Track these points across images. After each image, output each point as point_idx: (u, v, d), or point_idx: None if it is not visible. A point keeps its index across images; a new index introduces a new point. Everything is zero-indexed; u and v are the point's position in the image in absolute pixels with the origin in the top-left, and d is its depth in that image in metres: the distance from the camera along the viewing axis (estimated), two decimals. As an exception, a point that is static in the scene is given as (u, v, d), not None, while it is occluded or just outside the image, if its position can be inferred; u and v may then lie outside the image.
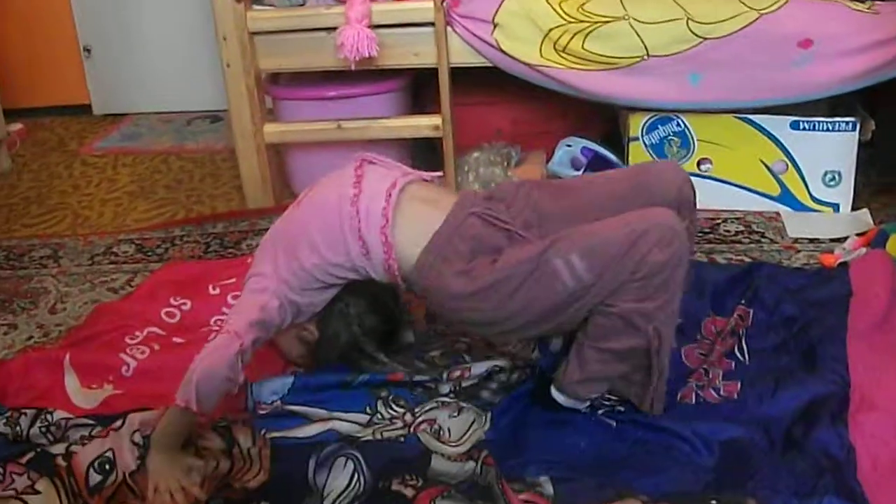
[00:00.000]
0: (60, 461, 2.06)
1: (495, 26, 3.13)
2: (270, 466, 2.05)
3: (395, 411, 2.22)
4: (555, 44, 3.09)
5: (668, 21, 3.03)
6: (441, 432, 2.14)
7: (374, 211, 2.19)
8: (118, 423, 2.15)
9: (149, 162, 4.27)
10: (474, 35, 3.16)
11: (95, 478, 2.02)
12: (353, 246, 2.18)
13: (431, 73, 3.29)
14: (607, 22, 3.05)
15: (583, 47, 3.07)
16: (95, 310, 2.84)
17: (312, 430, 2.16)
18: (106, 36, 4.89)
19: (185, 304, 2.80)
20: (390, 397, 2.25)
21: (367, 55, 3.07)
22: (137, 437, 2.10)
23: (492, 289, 2.08)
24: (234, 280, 2.81)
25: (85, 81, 4.97)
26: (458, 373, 2.31)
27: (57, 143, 4.62)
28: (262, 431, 2.14)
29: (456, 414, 2.18)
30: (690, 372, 2.32)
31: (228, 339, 2.07)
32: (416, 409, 2.21)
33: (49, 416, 2.26)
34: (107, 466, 2.03)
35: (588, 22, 3.06)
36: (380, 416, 2.21)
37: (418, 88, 3.63)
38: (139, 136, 4.67)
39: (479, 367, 2.32)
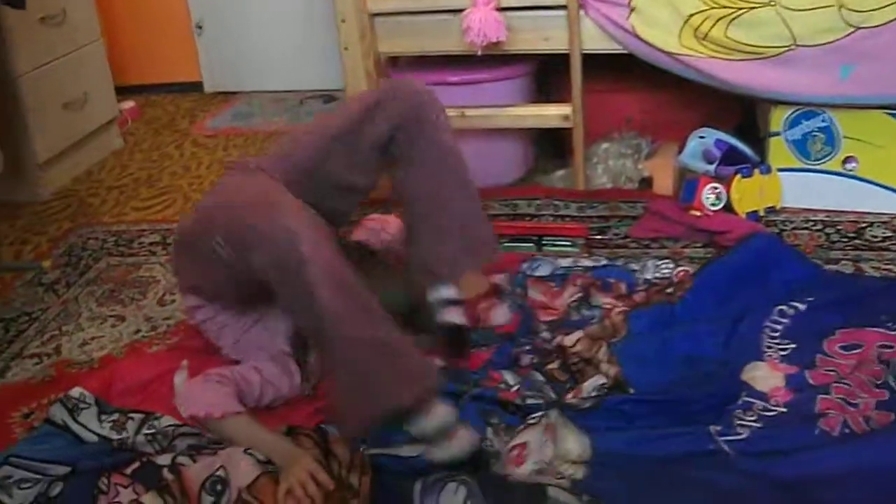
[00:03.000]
0: (167, 474, 1.95)
1: (632, 10, 2.94)
2: (371, 488, 1.92)
3: (503, 441, 2.05)
4: (695, 31, 2.89)
5: (819, 8, 2.80)
6: (543, 469, 1.96)
7: None
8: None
9: (260, 143, 4.19)
10: (609, 20, 2.98)
11: (208, 500, 1.89)
12: None
13: (558, 59, 3.13)
14: (753, 8, 2.84)
15: (725, 35, 2.87)
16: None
17: (416, 450, 2.01)
18: (218, 12, 4.84)
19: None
20: (501, 426, 2.08)
21: (494, 40, 2.94)
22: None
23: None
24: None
25: (196, 59, 4.91)
26: (570, 394, 2.17)
27: (168, 122, 4.57)
28: (362, 448, 2.01)
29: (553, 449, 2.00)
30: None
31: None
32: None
33: (156, 423, 2.17)
34: (218, 487, 1.91)
35: (732, 8, 2.85)
36: (488, 444, 2.03)
37: (543, 74, 3.46)
38: (251, 115, 4.59)
39: (589, 385, 2.17)
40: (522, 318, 2.49)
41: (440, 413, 1.93)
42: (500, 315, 2.52)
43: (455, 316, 2.31)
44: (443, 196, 2.32)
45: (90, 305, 2.87)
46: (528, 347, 2.37)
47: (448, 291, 2.32)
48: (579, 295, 2.52)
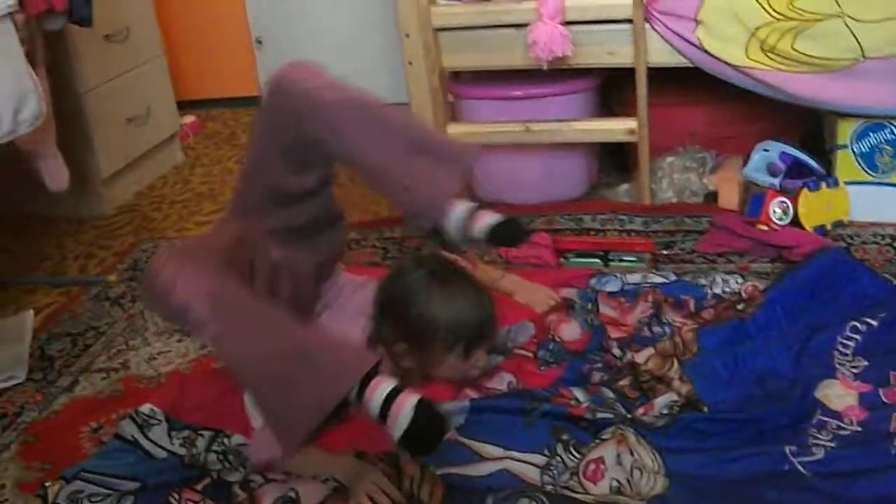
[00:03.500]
0: (238, 491, 1.96)
1: (698, 24, 2.91)
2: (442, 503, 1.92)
3: (574, 457, 2.03)
4: (762, 43, 2.86)
5: (889, 19, 2.76)
6: (622, 487, 1.94)
7: None
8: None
9: (321, 158, 4.16)
10: (675, 33, 2.96)
11: (280, 521, 1.90)
12: None
13: (621, 72, 3.12)
14: (820, 20, 2.81)
15: (792, 48, 2.84)
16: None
17: (486, 469, 2.00)
18: (278, 27, 4.86)
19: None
20: (571, 442, 2.06)
21: (559, 54, 2.91)
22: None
23: None
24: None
25: (256, 73, 4.93)
26: (641, 410, 2.14)
27: (228, 136, 4.59)
28: (432, 466, 2.00)
29: (630, 462, 1.98)
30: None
31: None
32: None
33: (226, 440, 2.18)
34: (290, 508, 1.91)
35: (799, 20, 2.82)
36: (558, 461, 2.02)
37: (606, 87, 3.44)
38: (310, 130, 4.57)
39: (661, 402, 2.14)
40: (593, 335, 2.48)
41: (378, 394, 1.81)
42: (571, 331, 2.50)
43: (488, 216, 2.20)
44: (385, 151, 2.13)
45: (156, 320, 2.88)
46: (598, 364, 2.35)
47: (461, 207, 2.19)
48: (650, 311, 2.50)
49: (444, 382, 2.26)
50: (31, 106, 2.81)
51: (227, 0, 4.87)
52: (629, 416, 2.12)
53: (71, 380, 2.61)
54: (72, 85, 3.59)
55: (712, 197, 3.20)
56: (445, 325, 2.14)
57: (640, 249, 2.85)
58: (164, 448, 2.20)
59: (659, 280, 2.67)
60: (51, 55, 3.10)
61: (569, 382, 2.29)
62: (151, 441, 2.22)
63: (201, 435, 2.20)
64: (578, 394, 2.21)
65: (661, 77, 3.13)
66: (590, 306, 2.58)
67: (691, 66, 3.01)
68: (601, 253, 2.85)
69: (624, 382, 2.25)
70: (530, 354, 2.41)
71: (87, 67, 3.63)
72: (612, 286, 2.66)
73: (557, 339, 2.47)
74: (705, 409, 2.10)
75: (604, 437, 2.04)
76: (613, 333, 2.47)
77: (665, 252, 2.91)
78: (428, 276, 2.18)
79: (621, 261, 2.83)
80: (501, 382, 2.32)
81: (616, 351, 2.38)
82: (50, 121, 2.90)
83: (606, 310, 2.56)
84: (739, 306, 2.46)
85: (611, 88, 3.41)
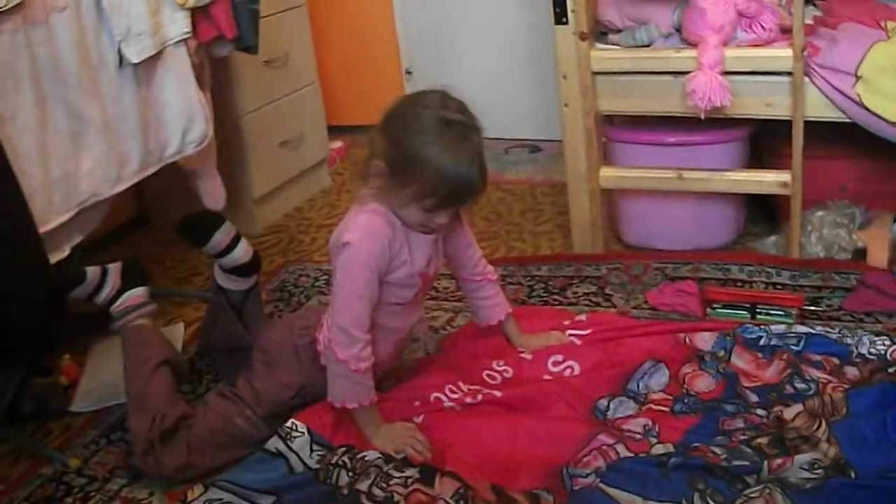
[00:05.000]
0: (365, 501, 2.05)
1: (858, 79, 2.88)
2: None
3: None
4: (923, 102, 2.83)
5: None
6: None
7: None
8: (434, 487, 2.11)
9: (464, 191, 4.21)
10: (834, 87, 2.93)
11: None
12: None
13: (774, 123, 3.09)
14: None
15: (954, 110, 2.80)
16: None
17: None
18: (428, 59, 4.96)
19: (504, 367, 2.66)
20: (708, 491, 2.05)
21: (718, 104, 2.91)
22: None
23: None
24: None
25: (405, 102, 5.00)
26: (779, 461, 2.11)
27: (376, 164, 4.64)
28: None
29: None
30: None
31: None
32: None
33: (361, 456, 2.25)
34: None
35: (963, 80, 2.79)
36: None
37: (756, 136, 3.41)
38: (458, 161, 4.62)
39: (802, 459, 2.10)
40: (727, 384, 2.46)
41: None
42: (705, 383, 2.49)
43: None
44: None
45: (303, 342, 2.94)
46: (739, 420, 2.32)
47: None
48: (788, 371, 2.48)
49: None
50: (198, 128, 2.93)
51: (380, 31, 4.99)
52: (764, 464, 2.10)
53: (223, 396, 2.68)
54: (231, 108, 3.71)
55: (861, 254, 3.16)
56: (432, 172, 2.14)
57: (788, 304, 2.81)
58: (303, 461, 2.26)
59: (803, 330, 2.64)
60: (214, 79, 3.21)
61: (705, 430, 2.29)
62: (294, 451, 2.28)
63: (337, 453, 2.26)
64: (714, 447, 2.21)
65: (813, 128, 3.10)
66: (721, 353, 2.56)
67: (848, 120, 2.98)
68: (748, 305, 2.83)
69: (762, 440, 2.23)
70: (666, 409, 2.41)
71: (246, 91, 3.75)
72: (754, 333, 2.64)
73: (693, 393, 2.46)
74: (853, 475, 2.08)
75: (751, 494, 2.02)
76: (746, 383, 2.46)
77: (812, 308, 2.88)
78: (443, 122, 2.16)
79: (769, 315, 2.79)
80: (638, 425, 2.32)
81: (760, 411, 2.35)
82: (212, 142, 3.01)
83: (740, 363, 2.54)
84: (891, 369, 2.42)
85: (762, 137, 3.39)
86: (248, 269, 2.76)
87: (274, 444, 2.30)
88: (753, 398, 2.38)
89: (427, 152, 2.13)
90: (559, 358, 2.60)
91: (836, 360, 2.51)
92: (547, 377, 2.56)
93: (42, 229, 2.38)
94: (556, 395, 2.44)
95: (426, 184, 2.14)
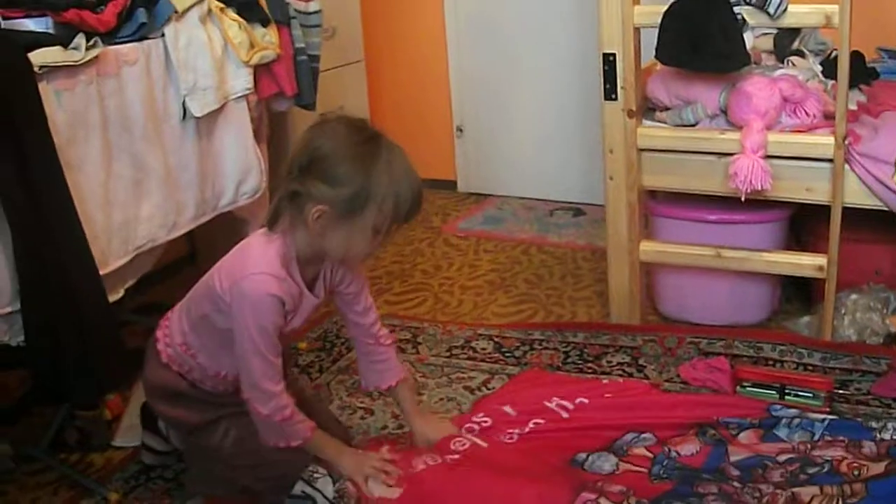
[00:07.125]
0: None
1: (897, 169, 2.96)
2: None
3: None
4: (960, 194, 2.89)
5: None
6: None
7: None
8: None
9: (510, 250, 4.31)
10: (872, 176, 2.98)
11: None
12: None
13: (813, 206, 3.15)
14: None
15: None
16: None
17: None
18: (480, 118, 5.05)
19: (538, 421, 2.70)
20: None
21: (759, 188, 2.96)
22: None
23: None
24: (585, 401, 2.75)
25: (453, 159, 5.12)
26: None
27: (422, 218, 4.71)
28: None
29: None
30: None
31: None
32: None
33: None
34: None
35: None
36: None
37: (794, 217, 3.47)
38: (502, 220, 4.74)
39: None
40: (712, 451, 2.50)
41: None
42: (690, 446, 2.52)
43: None
44: None
45: (340, 394, 3.03)
46: (713, 490, 2.32)
47: None
48: (797, 464, 2.46)
49: (339, 260, 2.37)
50: (253, 179, 3.02)
51: (434, 89, 5.10)
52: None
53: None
54: (287, 159, 3.77)
55: (893, 339, 3.20)
56: (384, 195, 2.15)
57: (818, 387, 2.84)
58: (327, 498, 2.34)
59: (821, 417, 2.65)
60: (271, 130, 3.31)
61: (678, 494, 2.30)
62: (318, 490, 2.35)
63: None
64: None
65: (851, 212, 3.14)
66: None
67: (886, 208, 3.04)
68: (778, 385, 2.87)
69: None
70: (644, 471, 2.44)
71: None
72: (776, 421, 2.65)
73: (674, 454, 2.49)
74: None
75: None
76: (734, 455, 2.48)
77: (840, 391, 2.92)
78: (369, 146, 2.18)
79: (797, 396, 2.82)
80: (611, 486, 2.33)
81: (735, 480, 2.37)
82: (265, 194, 3.09)
83: (740, 437, 2.58)
84: (912, 456, 2.45)
85: (802, 216, 3.44)
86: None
87: (300, 487, 2.36)
88: (735, 472, 2.40)
89: (374, 179, 2.14)
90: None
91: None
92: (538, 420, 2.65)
93: (101, 272, 2.48)
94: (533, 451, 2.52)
95: (378, 208, 2.15)
